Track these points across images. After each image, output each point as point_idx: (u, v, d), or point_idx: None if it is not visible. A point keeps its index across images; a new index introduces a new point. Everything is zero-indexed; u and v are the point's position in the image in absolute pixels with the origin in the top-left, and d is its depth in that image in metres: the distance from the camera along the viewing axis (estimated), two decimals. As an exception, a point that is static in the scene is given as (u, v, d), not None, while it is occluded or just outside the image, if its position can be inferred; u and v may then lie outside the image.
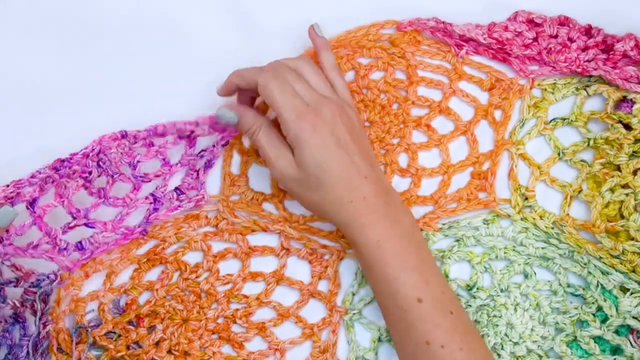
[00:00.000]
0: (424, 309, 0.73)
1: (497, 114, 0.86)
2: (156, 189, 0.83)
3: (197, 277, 0.84)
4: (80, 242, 0.81)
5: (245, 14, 0.88)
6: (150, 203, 0.83)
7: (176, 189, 0.84)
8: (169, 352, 0.83)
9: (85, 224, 0.80)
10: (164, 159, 0.84)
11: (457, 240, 0.84)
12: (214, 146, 0.84)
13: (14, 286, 0.78)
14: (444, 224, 0.84)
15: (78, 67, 0.86)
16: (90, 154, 0.79)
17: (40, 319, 0.80)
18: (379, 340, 0.83)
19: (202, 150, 0.84)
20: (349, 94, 0.81)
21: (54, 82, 0.86)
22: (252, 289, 0.85)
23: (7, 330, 0.80)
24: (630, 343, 0.81)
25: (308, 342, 0.84)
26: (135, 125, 0.81)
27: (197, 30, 0.87)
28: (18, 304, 0.78)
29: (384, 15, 0.87)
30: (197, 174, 0.84)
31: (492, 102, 0.86)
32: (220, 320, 0.84)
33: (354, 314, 0.83)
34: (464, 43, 0.87)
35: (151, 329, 0.83)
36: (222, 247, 0.85)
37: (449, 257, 0.83)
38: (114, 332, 0.82)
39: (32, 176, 0.77)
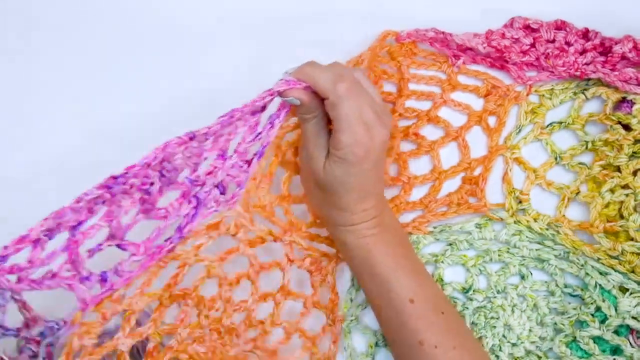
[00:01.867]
0: (416, 309, 0.75)
1: (492, 121, 0.87)
2: (201, 189, 0.72)
3: (216, 311, 0.78)
4: (104, 273, 0.69)
5: (245, 11, 0.90)
6: (194, 207, 0.72)
7: (219, 185, 0.73)
8: None
9: (118, 245, 0.69)
10: (222, 151, 0.73)
11: (450, 244, 0.85)
12: (270, 125, 0.75)
13: (14, 336, 0.66)
14: (434, 228, 0.85)
15: (79, 65, 0.87)
16: (153, 164, 0.68)
17: None
18: (376, 345, 0.84)
19: (259, 133, 0.74)
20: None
21: (53, 79, 0.87)
22: (262, 308, 0.83)
23: None
24: (630, 343, 0.80)
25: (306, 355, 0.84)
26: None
27: (199, 28, 0.89)
28: (6, 358, 0.66)
29: (379, 24, 0.88)
30: (249, 164, 0.75)
31: (487, 108, 0.87)
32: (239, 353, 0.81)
33: (352, 320, 0.84)
34: (461, 53, 0.87)
35: None
36: (234, 269, 0.79)
37: (442, 261, 0.84)
38: None
39: (77, 201, 0.65)
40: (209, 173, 0.72)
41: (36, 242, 0.65)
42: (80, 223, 0.67)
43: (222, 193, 0.74)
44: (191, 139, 0.69)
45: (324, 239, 0.85)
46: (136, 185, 0.68)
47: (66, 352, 0.67)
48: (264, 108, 0.74)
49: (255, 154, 0.76)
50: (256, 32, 0.89)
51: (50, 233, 0.65)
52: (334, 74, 0.73)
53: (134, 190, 0.68)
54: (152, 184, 0.69)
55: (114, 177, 0.67)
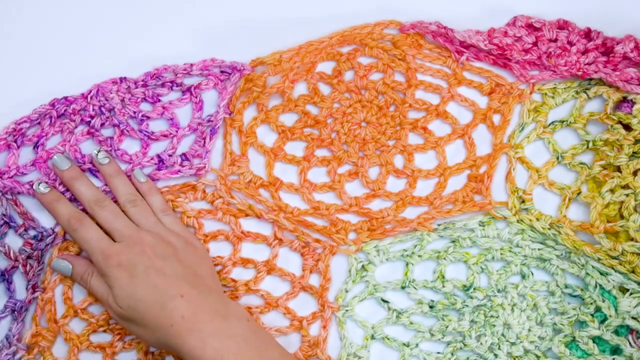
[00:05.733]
0: None
1: (496, 119, 0.87)
2: (164, 151, 0.85)
3: None
4: None
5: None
6: (155, 164, 0.84)
7: (182, 154, 0.85)
8: None
9: (90, 170, 0.83)
10: (171, 119, 0.85)
11: (453, 242, 0.84)
12: (217, 111, 0.85)
13: (14, 230, 0.82)
14: (439, 225, 0.84)
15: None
16: (89, 96, 0.83)
17: (30, 281, 0.81)
18: (372, 337, 0.83)
19: (210, 116, 0.85)
20: (181, 225, 0.82)
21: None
22: (241, 274, 0.85)
23: None
24: (630, 343, 0.80)
25: (296, 335, 0.84)
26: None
27: (206, 29, 0.89)
28: (12, 255, 0.81)
29: (382, 18, 0.88)
30: (204, 142, 0.85)
31: (492, 106, 0.87)
32: None
33: (347, 310, 0.83)
34: (464, 49, 0.87)
35: None
36: (214, 228, 0.85)
37: (444, 258, 0.84)
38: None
39: (32, 113, 0.83)
40: (165, 135, 0.85)
41: (8, 147, 0.83)
42: (39, 139, 0.83)
43: (186, 160, 0.85)
44: (121, 80, 0.85)
45: (320, 228, 0.84)
46: (78, 112, 0.84)
47: (49, 260, 0.83)
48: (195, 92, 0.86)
49: (208, 131, 0.85)
50: (259, 33, 0.89)
51: (15, 139, 0.83)
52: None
53: (77, 119, 0.84)
54: (92, 117, 0.84)
55: (57, 99, 0.84)
